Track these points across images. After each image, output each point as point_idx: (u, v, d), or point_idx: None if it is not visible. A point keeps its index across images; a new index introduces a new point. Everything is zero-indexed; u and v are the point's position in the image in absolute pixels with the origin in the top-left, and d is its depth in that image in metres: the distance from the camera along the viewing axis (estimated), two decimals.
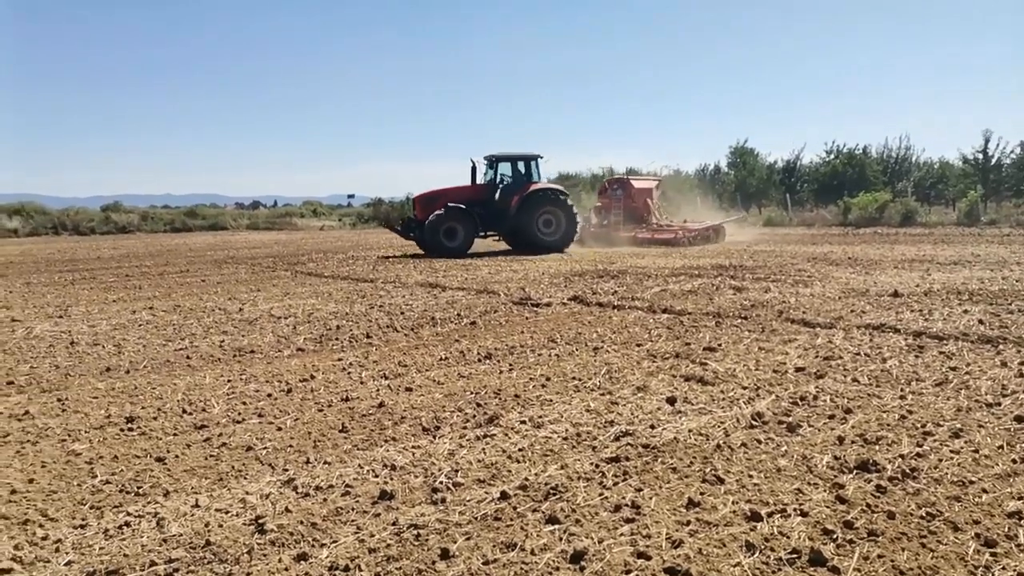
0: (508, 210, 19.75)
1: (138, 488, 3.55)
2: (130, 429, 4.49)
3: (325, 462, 3.87)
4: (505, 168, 20.57)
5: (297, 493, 3.43)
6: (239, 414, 4.78)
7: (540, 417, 4.52)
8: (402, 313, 9.00)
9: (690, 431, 4.16)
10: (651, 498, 3.24)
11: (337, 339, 7.38)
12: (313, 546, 2.89)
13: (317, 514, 3.18)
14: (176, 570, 2.72)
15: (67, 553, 2.88)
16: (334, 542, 2.92)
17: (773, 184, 43.15)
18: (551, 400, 4.94)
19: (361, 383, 5.55)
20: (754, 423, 4.28)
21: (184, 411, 4.86)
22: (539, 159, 20.87)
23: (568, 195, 20.81)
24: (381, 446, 4.11)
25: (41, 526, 3.15)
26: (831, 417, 4.37)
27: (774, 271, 12.94)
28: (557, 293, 10.59)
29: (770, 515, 3.02)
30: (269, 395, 5.24)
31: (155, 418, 4.72)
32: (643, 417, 4.46)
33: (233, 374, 5.91)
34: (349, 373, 5.88)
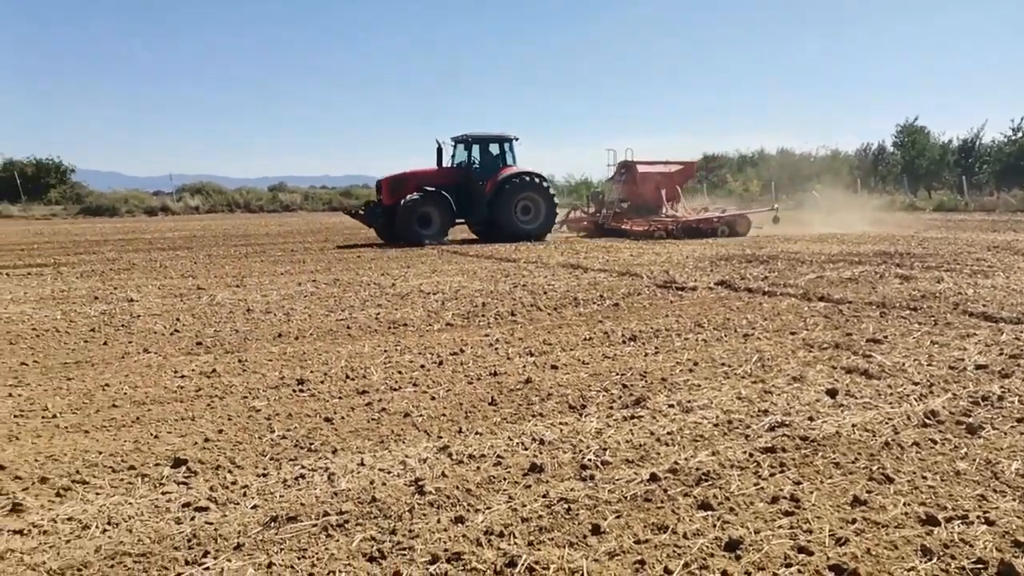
0: (482, 196, 18.42)
1: (310, 444, 3.86)
2: (301, 390, 4.88)
3: (477, 432, 4.01)
4: (490, 150, 19.27)
5: (452, 460, 3.59)
6: (396, 382, 5.05)
7: (688, 402, 4.43)
8: (545, 293, 9.10)
9: (854, 426, 3.91)
10: (811, 492, 3.09)
11: (483, 316, 7.59)
12: (468, 510, 3.01)
13: (471, 481, 3.31)
14: (346, 521, 2.93)
15: (252, 498, 3.19)
16: (488, 508, 3.02)
17: (947, 166, 39.30)
18: (699, 385, 4.82)
19: (508, 359, 5.69)
20: (927, 422, 3.96)
21: (347, 376, 5.21)
22: (514, 141, 19.48)
23: (547, 180, 19.35)
24: (529, 420, 4.20)
25: (230, 472, 3.50)
26: (1020, 420, 3.95)
27: (947, 260, 11.82)
28: (703, 277, 10.28)
29: (949, 520, 2.79)
30: (422, 366, 5.50)
31: (322, 382, 5.09)
32: (800, 408, 4.25)
33: (389, 345, 6.25)
34: (496, 349, 6.03)
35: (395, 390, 4.87)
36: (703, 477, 3.28)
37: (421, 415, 4.33)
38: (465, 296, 8.96)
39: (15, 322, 7.40)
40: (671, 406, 4.37)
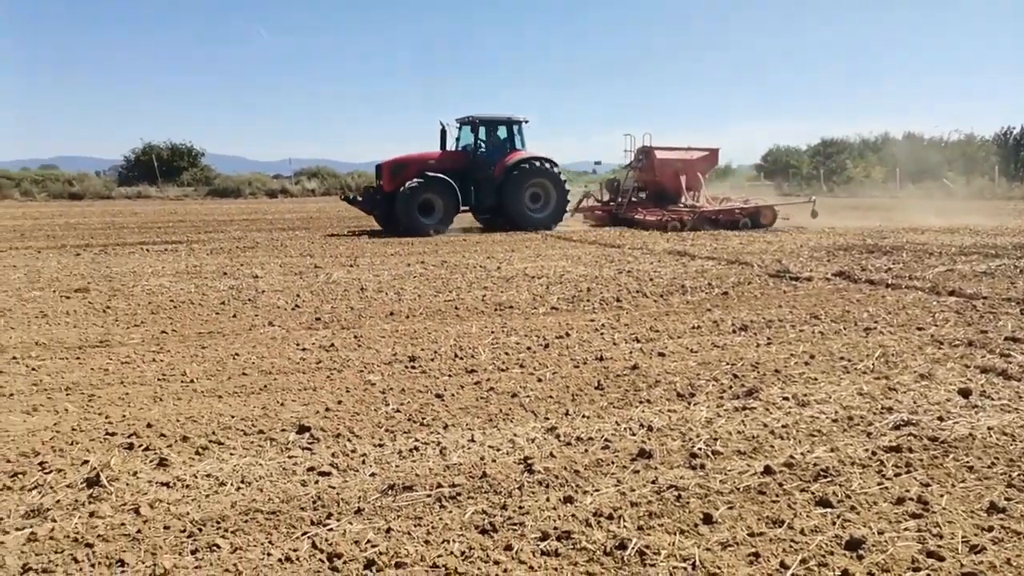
0: (490, 182, 17.12)
1: (422, 419, 4.00)
2: (412, 367, 5.06)
3: (583, 415, 4.02)
4: (498, 132, 17.89)
5: (560, 441, 3.62)
6: (503, 363, 5.14)
7: (805, 395, 4.26)
8: (651, 280, 8.96)
9: (990, 429, 3.65)
10: (941, 496, 2.92)
11: (588, 301, 7.57)
12: (577, 491, 3.04)
13: (579, 463, 3.33)
14: (458, 494, 3.03)
15: (370, 466, 3.35)
16: (596, 491, 3.04)
17: None
18: (816, 379, 4.63)
19: (614, 344, 5.66)
20: None
21: (456, 355, 5.34)
22: (524, 123, 18.09)
23: (558, 165, 17.86)
24: (636, 406, 4.17)
25: (349, 440, 3.69)
26: None
27: None
28: (819, 267, 9.81)
29: None
30: (528, 348, 5.56)
31: (432, 359, 5.25)
32: (928, 407, 4.00)
33: (495, 326, 6.35)
34: (602, 334, 6.02)
35: (502, 370, 4.96)
36: (821, 473, 3.16)
37: (528, 396, 4.39)
38: (570, 281, 8.96)
39: (156, 294, 8.05)
40: (786, 399, 4.22)
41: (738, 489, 3.03)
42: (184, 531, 2.73)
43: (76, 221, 20.06)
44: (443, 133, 17.36)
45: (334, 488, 3.09)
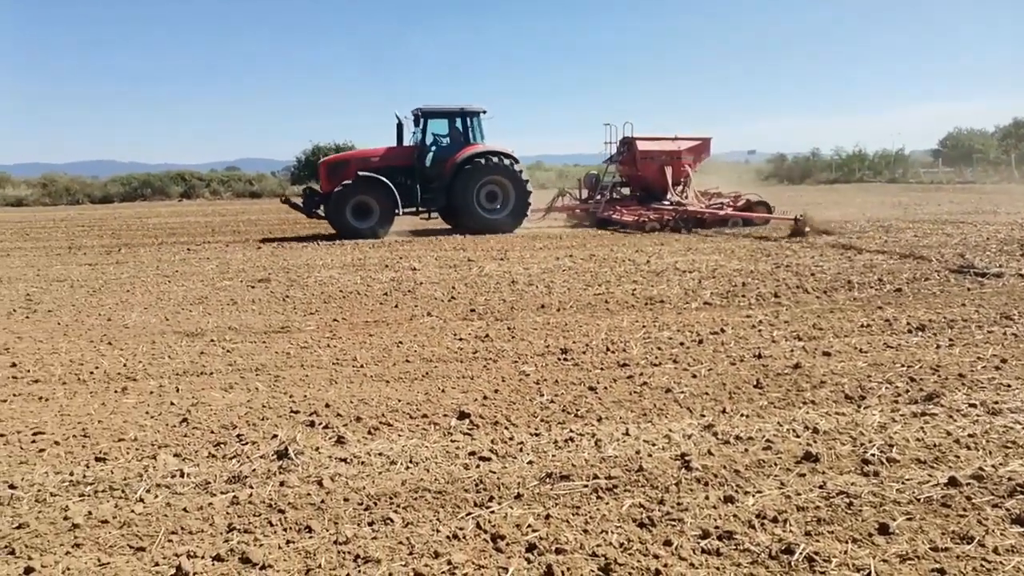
0: (439, 180, 15.45)
1: (576, 410, 4.06)
2: (565, 359, 5.13)
3: (742, 414, 3.91)
4: (439, 127, 15.94)
5: (717, 439, 3.54)
6: (655, 358, 5.08)
7: (995, 403, 3.88)
8: (812, 274, 8.48)
9: None
10: None
11: (743, 296, 7.29)
12: (738, 491, 2.96)
13: (739, 462, 3.24)
14: (615, 486, 3.05)
15: (528, 454, 3.45)
16: (758, 492, 2.95)
17: None
18: (1009, 385, 4.19)
19: (773, 342, 5.43)
20: None
21: (607, 349, 5.36)
22: (481, 115, 16.08)
23: (518, 160, 15.68)
24: (800, 407, 3.99)
25: (506, 428, 3.82)
26: None
27: None
28: (1011, 262, 8.83)
29: None
30: (681, 343, 5.46)
31: (584, 352, 5.29)
32: None
33: (647, 320, 6.29)
34: (759, 330, 5.78)
35: (655, 365, 4.91)
36: (1017, 488, 2.87)
37: (683, 392, 4.32)
38: (723, 275, 8.67)
39: (327, 285, 8.71)
40: (972, 406, 3.86)
41: (918, 500, 2.82)
42: (361, 504, 2.97)
43: (256, 217, 22.03)
44: (399, 127, 15.63)
45: (494, 473, 3.22)
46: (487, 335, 5.89)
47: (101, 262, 11.45)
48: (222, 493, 3.10)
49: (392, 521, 2.81)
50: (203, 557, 2.57)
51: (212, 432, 3.82)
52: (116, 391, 4.56)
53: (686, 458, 3.28)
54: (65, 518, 2.87)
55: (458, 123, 15.85)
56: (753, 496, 2.91)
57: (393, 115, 15.48)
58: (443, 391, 4.47)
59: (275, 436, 3.72)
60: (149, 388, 4.61)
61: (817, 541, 2.53)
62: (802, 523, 2.67)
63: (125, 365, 5.14)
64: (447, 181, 15.25)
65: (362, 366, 5.05)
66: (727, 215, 15.24)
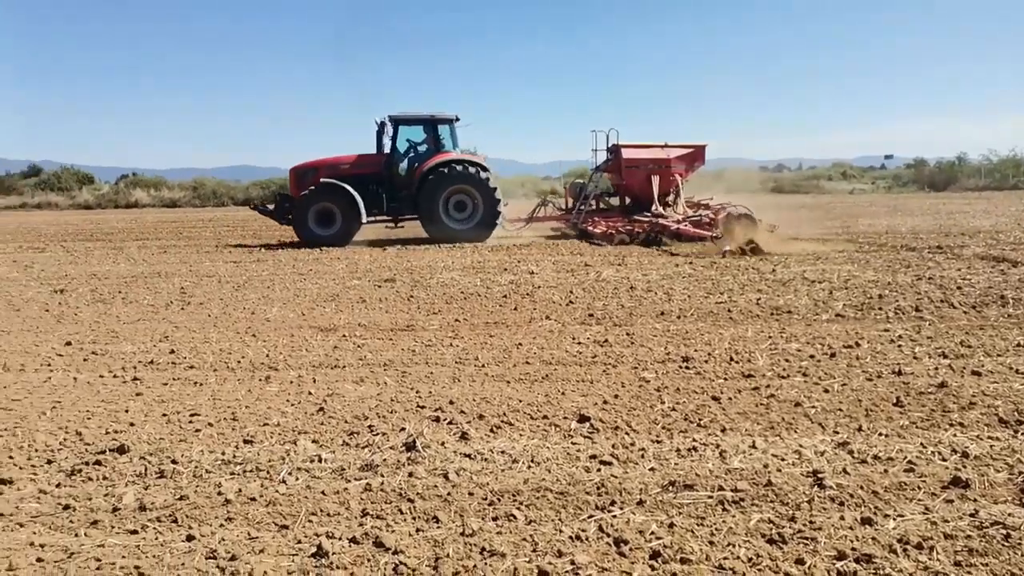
0: (407, 188, 15.19)
1: (699, 419, 3.97)
2: (686, 367, 5.03)
3: (880, 433, 3.69)
4: (415, 134, 15.68)
5: (854, 458, 3.37)
6: (783, 370, 4.89)
7: None
8: (959, 288, 7.85)
9: None
10: None
11: (880, 309, 6.86)
12: (876, 513, 2.80)
13: (878, 483, 3.07)
14: (741, 499, 2.97)
15: (649, 460, 3.42)
16: (900, 516, 2.78)
17: None
18: None
19: (914, 358, 5.08)
20: None
21: (731, 359, 5.20)
22: (454, 122, 15.70)
23: (487, 169, 15.19)
24: (946, 429, 3.71)
25: (627, 434, 3.80)
26: None
27: None
28: None
29: None
30: (811, 356, 5.22)
31: (706, 361, 5.17)
32: None
33: (773, 331, 6.05)
34: (899, 346, 5.43)
35: (783, 378, 4.72)
36: None
37: (814, 406, 4.13)
38: (857, 286, 8.20)
39: (448, 286, 8.98)
40: None
41: None
42: (485, 499, 3.05)
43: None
44: (380, 133, 15.47)
45: (615, 478, 3.22)
46: (606, 340, 5.87)
47: (244, 260, 12.36)
48: (356, 479, 3.28)
49: (515, 518, 2.87)
50: (340, 538, 2.73)
51: (346, 422, 4.04)
52: (260, 379, 4.91)
53: (819, 475, 3.14)
54: (219, 493, 3.13)
55: (429, 131, 15.65)
56: (894, 520, 2.75)
57: (374, 120, 15.29)
58: (563, 394, 4.50)
59: (403, 429, 3.88)
60: (289, 378, 4.94)
61: (968, 572, 2.36)
62: (951, 552, 2.49)
63: (267, 356, 5.53)
64: (415, 189, 15.09)
65: (483, 366, 5.18)
66: (681, 231, 13.98)
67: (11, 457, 3.57)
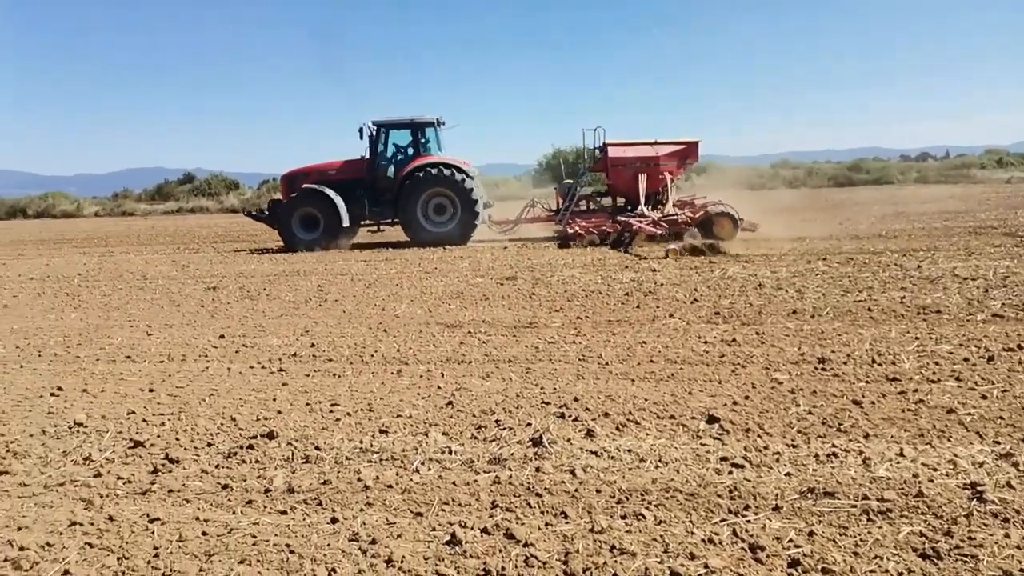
0: (390, 192, 15.24)
1: (839, 424, 3.77)
2: (823, 369, 4.78)
3: None
4: (401, 138, 15.64)
5: (1019, 471, 3.08)
6: (933, 373, 4.54)
7: None
8: None
9: None
10: None
11: None
12: None
13: None
14: (889, 510, 2.79)
15: (785, 465, 3.28)
16: None
17: None
18: None
19: None
20: None
21: (873, 361, 4.89)
22: (436, 126, 15.62)
23: (466, 172, 14.95)
24: None
25: (760, 436, 3.66)
26: None
27: None
28: None
29: None
30: (966, 359, 4.81)
31: (845, 363, 4.89)
32: None
33: (920, 332, 5.63)
34: None
35: (933, 382, 4.39)
36: None
37: (970, 414, 3.81)
38: (1016, 283, 7.46)
39: (569, 284, 8.99)
40: None
41: None
42: (613, 497, 3.04)
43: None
44: (371, 138, 15.57)
45: (749, 481, 3.11)
46: (733, 339, 5.68)
47: (374, 259, 12.94)
48: (484, 472, 3.36)
49: (644, 517, 2.84)
50: (472, 528, 2.82)
51: (474, 416, 4.14)
52: (392, 373, 5.14)
53: (978, 488, 2.90)
54: (358, 479, 3.31)
55: (411, 134, 15.70)
56: None
57: (359, 126, 15.40)
58: (690, 393, 4.40)
59: (529, 424, 3.94)
60: (419, 372, 5.13)
61: None
62: None
63: (398, 350, 5.78)
64: (395, 193, 15.20)
65: (607, 363, 5.15)
66: (641, 229, 13.46)
67: (178, 439, 3.93)
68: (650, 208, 14.81)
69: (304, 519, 2.98)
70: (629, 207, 15.36)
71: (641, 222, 13.78)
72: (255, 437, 3.88)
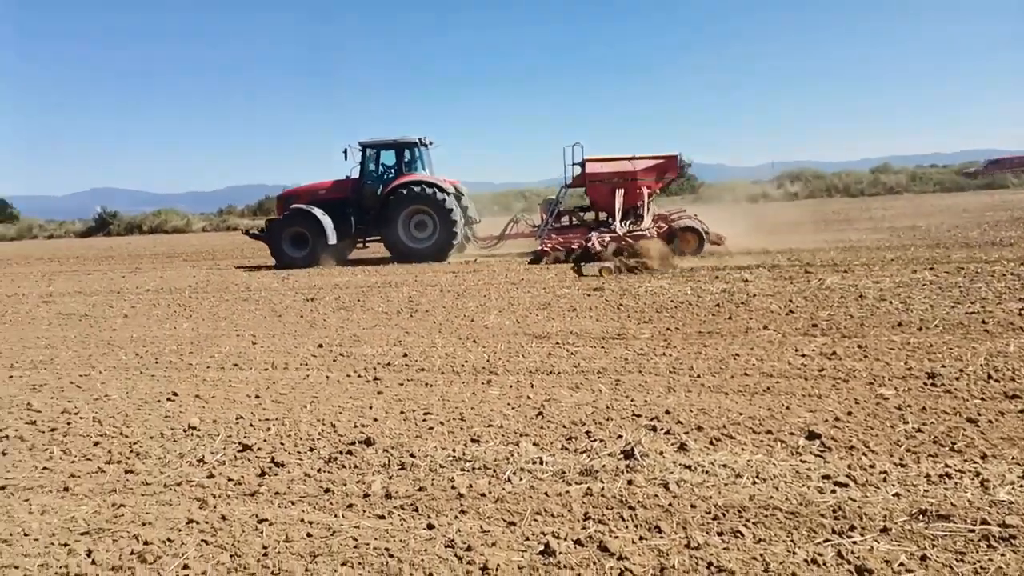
0: (375, 210, 15.76)
1: (952, 443, 3.56)
2: (932, 384, 4.52)
3: None
4: (387, 158, 16.33)
5: None
6: None
7: None
8: None
9: None
10: None
11: None
12: None
13: None
14: (1012, 536, 2.62)
15: (893, 485, 3.12)
16: None
17: None
18: None
19: None
20: None
21: (989, 376, 4.59)
22: (419, 146, 16.32)
23: (446, 190, 15.36)
24: None
25: (864, 455, 3.50)
26: None
27: None
28: None
29: None
30: None
31: (957, 378, 4.61)
32: None
33: None
34: None
35: None
36: None
37: None
38: None
39: (657, 294, 8.87)
40: None
41: None
42: (709, 513, 2.98)
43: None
44: (363, 159, 16.22)
45: (854, 501, 2.98)
46: (833, 352, 5.46)
47: (462, 271, 13.16)
48: (576, 483, 3.36)
49: (742, 535, 2.77)
50: (566, 539, 2.82)
51: (564, 427, 4.15)
52: (482, 383, 5.21)
53: None
54: (452, 487, 3.38)
55: (396, 154, 16.34)
56: None
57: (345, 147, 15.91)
58: (787, 408, 4.26)
59: (620, 436, 3.91)
60: (508, 382, 5.18)
61: None
62: None
63: (488, 361, 5.86)
64: (377, 211, 15.75)
65: (698, 376, 5.05)
66: (583, 246, 13.30)
67: (282, 443, 4.13)
68: (628, 223, 14.56)
69: (401, 524, 3.06)
70: (609, 221, 15.18)
71: (593, 239, 13.51)
72: (353, 443, 4.03)
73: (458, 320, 7.90)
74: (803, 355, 5.46)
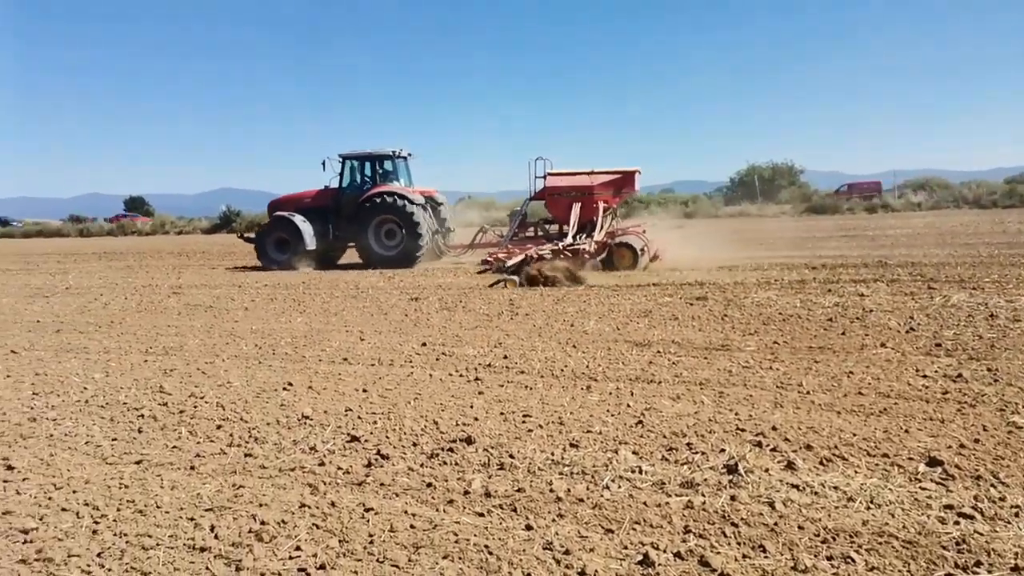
0: (350, 219, 16.92)
1: None
2: None
3: None
4: (348, 170, 17.45)
5: None
6: None
7: None
8: None
9: None
10: None
11: None
12: None
13: None
14: None
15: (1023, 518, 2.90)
16: None
17: None
18: None
19: None
20: None
21: None
22: (395, 158, 17.44)
23: (414, 201, 16.50)
24: None
25: (994, 486, 3.26)
26: None
27: None
28: None
29: None
30: None
31: None
32: None
33: None
34: None
35: None
36: None
37: None
38: None
39: (764, 306, 8.57)
40: None
41: None
42: (818, 535, 2.86)
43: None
44: (352, 169, 17.42)
45: (981, 535, 2.79)
46: (959, 375, 5.10)
47: None
48: (676, 496, 3.31)
49: (854, 561, 2.65)
50: (665, 551, 2.79)
51: (664, 437, 4.10)
52: (582, 388, 5.21)
53: None
54: (550, 490, 3.41)
55: (371, 166, 17.44)
56: None
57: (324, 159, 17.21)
58: (906, 431, 4.02)
59: (723, 450, 3.82)
60: (608, 389, 5.16)
61: None
62: None
63: (587, 366, 5.85)
64: (350, 219, 16.90)
65: (808, 392, 4.85)
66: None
67: (387, 437, 4.29)
68: (583, 237, 14.73)
69: (500, 523, 3.12)
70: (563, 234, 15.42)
71: (532, 251, 13.60)
72: (455, 441, 4.13)
73: (558, 324, 7.93)
74: (925, 376, 5.13)
